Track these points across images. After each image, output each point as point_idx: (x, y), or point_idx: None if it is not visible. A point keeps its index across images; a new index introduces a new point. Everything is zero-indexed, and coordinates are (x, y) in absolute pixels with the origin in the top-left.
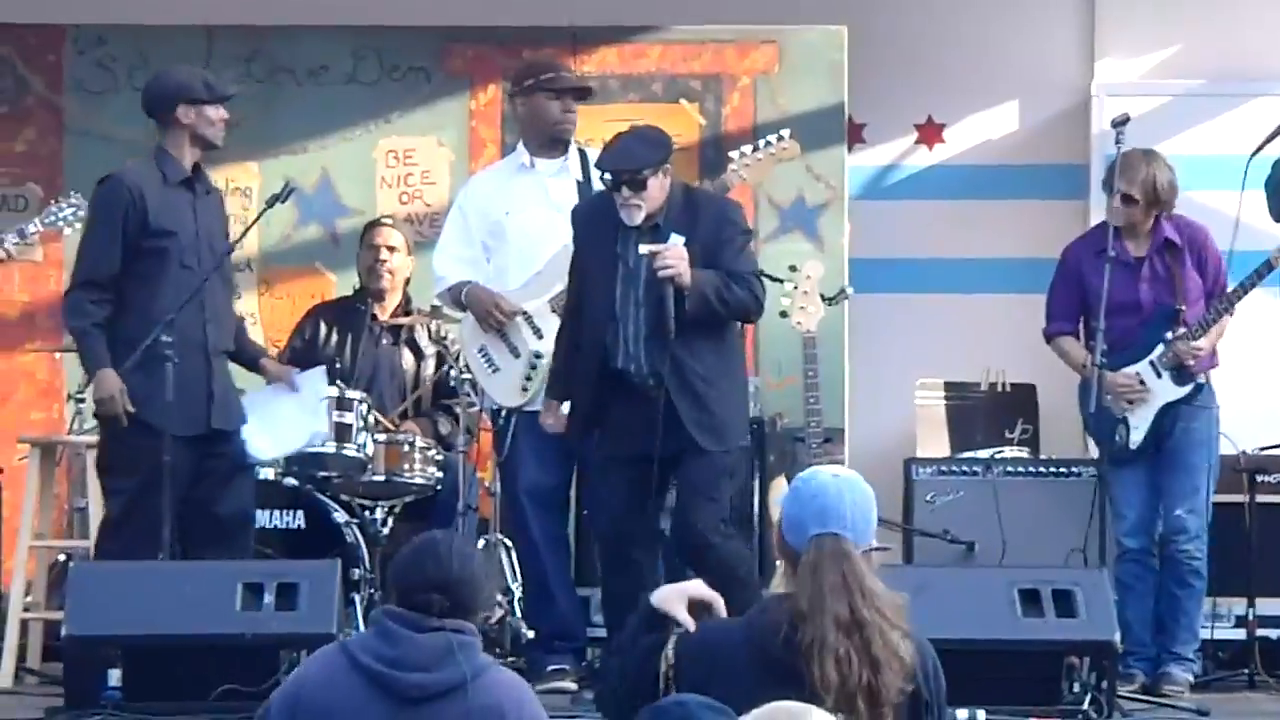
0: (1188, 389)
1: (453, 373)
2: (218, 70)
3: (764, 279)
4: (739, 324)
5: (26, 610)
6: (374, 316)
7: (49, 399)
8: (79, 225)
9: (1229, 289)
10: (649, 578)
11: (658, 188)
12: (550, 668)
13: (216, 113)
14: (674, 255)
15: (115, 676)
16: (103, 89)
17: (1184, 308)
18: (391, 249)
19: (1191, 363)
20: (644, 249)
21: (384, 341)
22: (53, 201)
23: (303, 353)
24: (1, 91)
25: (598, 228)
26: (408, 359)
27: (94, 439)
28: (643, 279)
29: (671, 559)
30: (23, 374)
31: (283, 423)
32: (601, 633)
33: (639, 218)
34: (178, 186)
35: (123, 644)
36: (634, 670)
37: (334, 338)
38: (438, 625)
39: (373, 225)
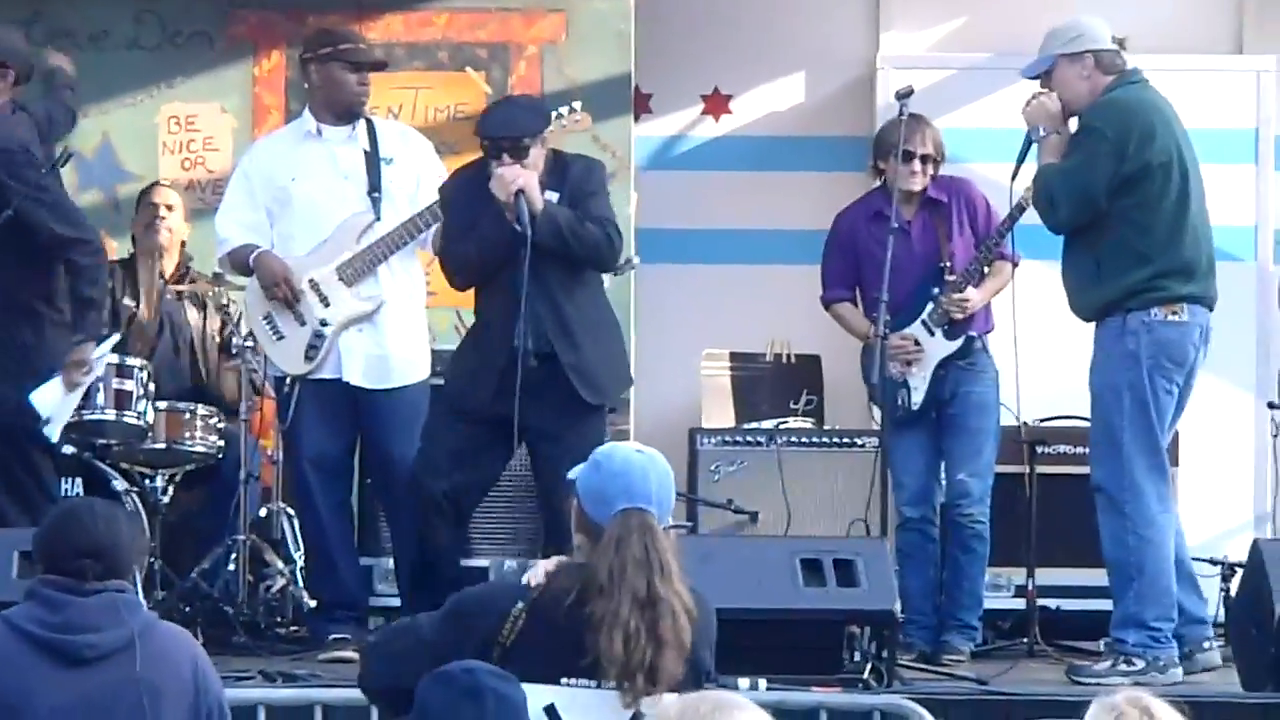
0: (959, 342)
1: (234, 339)
2: None
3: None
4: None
5: None
6: (163, 275)
7: None
8: None
9: (988, 237)
10: None
11: (539, 156)
12: (332, 636)
13: None
14: (514, 171)
15: None
16: None
17: (947, 264)
18: (170, 208)
19: (959, 314)
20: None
21: (166, 298)
22: None
23: None
24: None
25: (473, 201)
26: (192, 315)
27: None
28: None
29: None
30: None
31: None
32: (384, 601)
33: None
34: None
35: None
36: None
37: (123, 297)
38: (99, 587)
39: (150, 186)
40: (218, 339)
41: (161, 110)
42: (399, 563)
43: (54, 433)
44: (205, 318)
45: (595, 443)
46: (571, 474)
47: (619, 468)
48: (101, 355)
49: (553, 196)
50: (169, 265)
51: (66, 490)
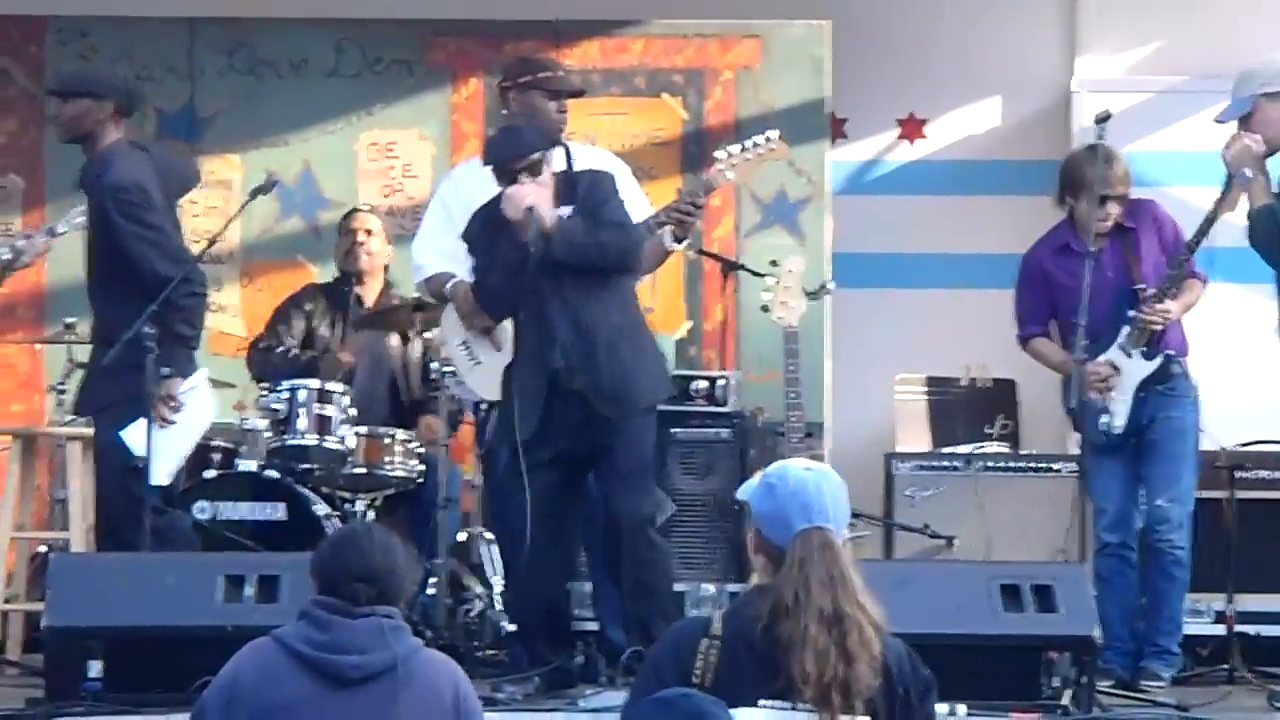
0: (1158, 362)
1: (434, 364)
2: (200, 62)
3: (744, 270)
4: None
5: (6, 601)
6: (359, 299)
7: (29, 390)
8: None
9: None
10: None
11: (549, 173)
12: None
13: None
14: (523, 190)
15: (96, 668)
16: None
17: (1142, 286)
18: (369, 232)
19: (1159, 325)
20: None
21: (377, 333)
22: (76, 204)
23: (271, 337)
24: None
25: (491, 232)
26: (394, 342)
27: (75, 430)
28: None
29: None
30: (3, 366)
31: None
32: (582, 625)
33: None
34: None
35: (103, 635)
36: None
37: (322, 322)
38: (368, 611)
39: (350, 213)
40: (419, 366)
41: (361, 137)
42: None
43: (157, 473)
44: (406, 346)
45: (645, 448)
46: (741, 494)
47: (793, 488)
48: (190, 389)
49: (565, 211)
50: (372, 290)
51: (269, 515)
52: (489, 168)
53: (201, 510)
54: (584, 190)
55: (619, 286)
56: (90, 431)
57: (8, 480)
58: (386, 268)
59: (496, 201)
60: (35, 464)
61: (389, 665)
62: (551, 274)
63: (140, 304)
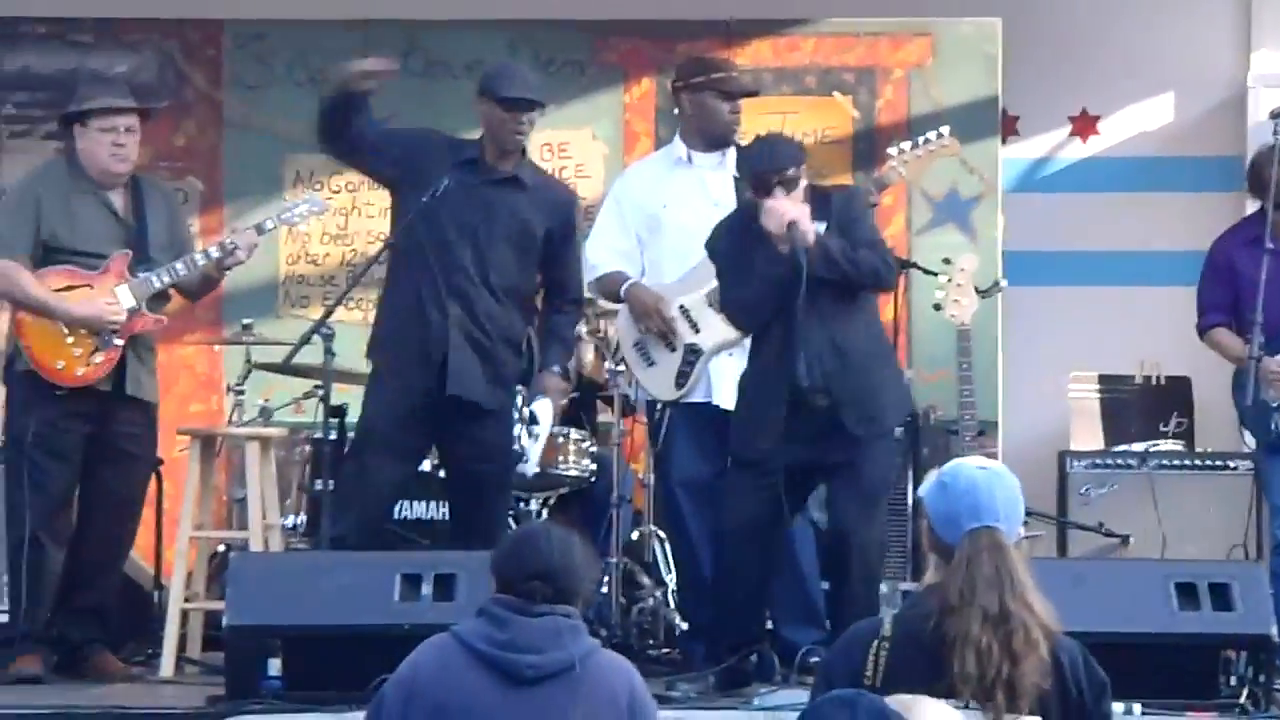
0: None
1: (607, 364)
2: None
3: (916, 269)
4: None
5: (187, 600)
6: None
7: (208, 391)
8: (313, 220)
9: None
10: None
11: (803, 188)
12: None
13: None
14: (783, 204)
15: (275, 666)
16: (261, 83)
17: None
18: None
19: None
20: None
21: None
22: (287, 197)
23: None
24: (162, 86)
25: (743, 244)
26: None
27: (254, 430)
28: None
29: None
30: (183, 366)
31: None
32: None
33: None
34: None
35: (282, 634)
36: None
37: None
38: (546, 610)
39: None
40: (591, 368)
41: (534, 137)
42: None
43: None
44: (579, 348)
45: (887, 470)
46: (921, 490)
47: (965, 487)
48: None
49: (820, 227)
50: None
51: (445, 514)
52: (745, 178)
53: None
54: (837, 207)
55: (867, 305)
56: (268, 431)
57: (187, 480)
58: None
59: (743, 213)
60: (214, 464)
61: (566, 665)
62: (807, 289)
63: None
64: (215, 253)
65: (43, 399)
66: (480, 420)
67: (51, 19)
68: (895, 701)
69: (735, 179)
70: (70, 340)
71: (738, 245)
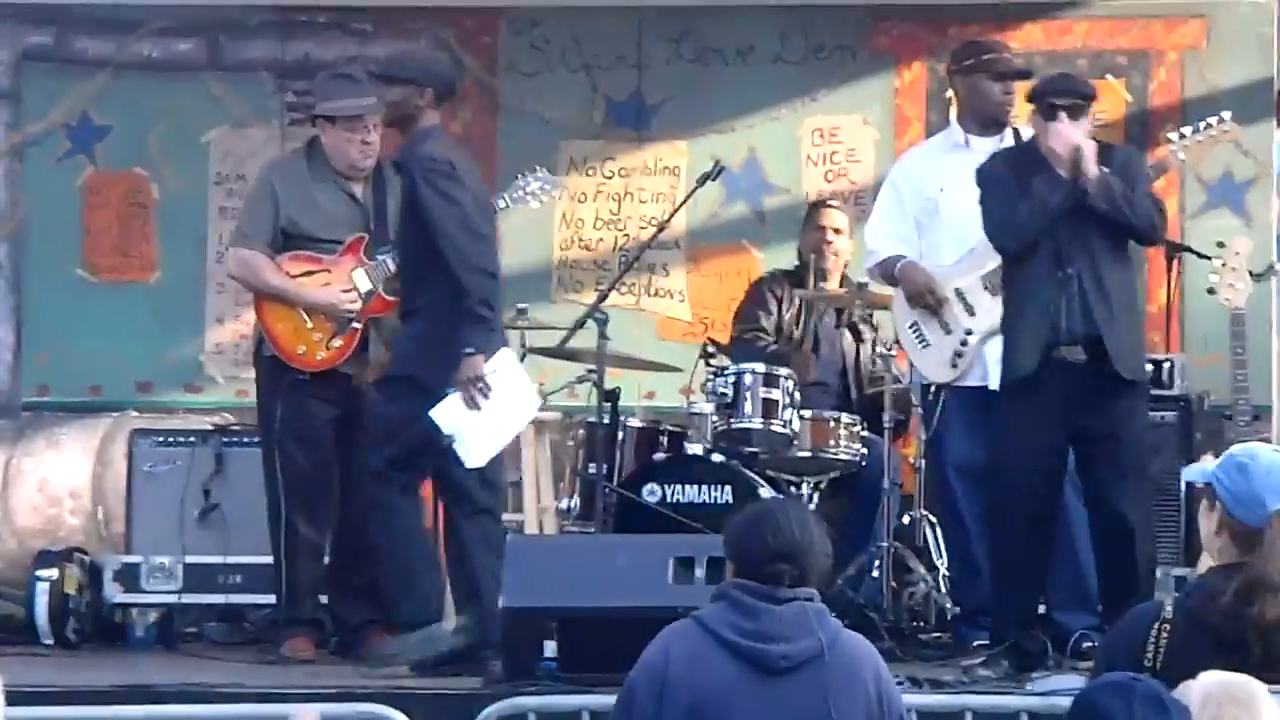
0: None
1: (878, 349)
2: (648, 51)
3: (1189, 253)
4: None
5: None
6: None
7: None
8: (546, 200)
9: None
10: None
11: (1089, 124)
12: (976, 643)
13: None
14: (1071, 128)
15: (551, 648)
16: (536, 70)
17: None
18: (837, 231)
19: None
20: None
21: (825, 320)
22: (519, 176)
23: (751, 323)
24: None
25: (1020, 169)
26: (847, 340)
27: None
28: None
29: None
30: None
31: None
32: None
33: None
34: None
35: (557, 616)
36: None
37: (783, 309)
38: (790, 596)
39: (819, 206)
40: (871, 369)
41: (805, 123)
42: None
43: (468, 455)
44: (859, 348)
45: (1145, 431)
46: (1190, 476)
47: (1266, 467)
48: (496, 370)
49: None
50: (831, 286)
51: (716, 498)
52: (1034, 103)
53: (651, 493)
54: (1119, 161)
55: (1132, 259)
56: (542, 416)
57: None
58: (846, 264)
59: (1020, 147)
60: None
61: (816, 653)
62: (1080, 228)
63: (441, 280)
64: None
65: (287, 384)
66: None
67: (332, 7)
68: (1223, 685)
69: None
70: (310, 325)
71: (1014, 168)
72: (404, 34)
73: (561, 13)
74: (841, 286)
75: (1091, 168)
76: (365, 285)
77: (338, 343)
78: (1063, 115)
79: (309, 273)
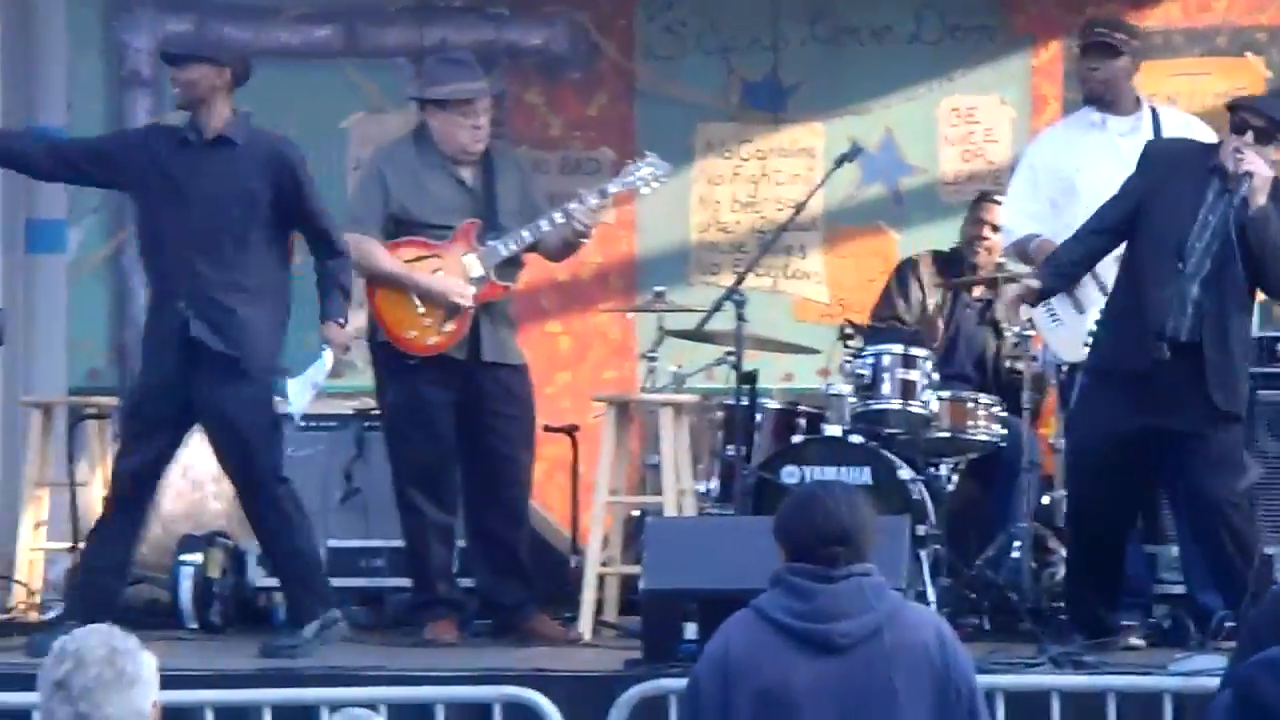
0: None
1: (1016, 328)
2: (784, 32)
3: None
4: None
5: (603, 565)
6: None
7: (622, 358)
8: (656, 185)
9: None
10: None
11: (1270, 161)
12: (1122, 623)
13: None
14: (1251, 153)
15: (691, 630)
16: (672, 54)
17: None
18: (995, 229)
19: None
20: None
21: (968, 313)
22: (630, 161)
23: (889, 310)
24: (575, 56)
25: (1179, 172)
26: (987, 336)
27: (667, 396)
28: (1215, 232)
29: None
30: (596, 334)
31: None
32: (1167, 589)
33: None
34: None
35: (698, 598)
36: None
37: (925, 297)
38: (847, 573)
39: (984, 200)
40: (1008, 364)
41: (942, 103)
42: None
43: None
44: (1000, 344)
45: (1236, 454)
46: None
47: None
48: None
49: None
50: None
51: (855, 479)
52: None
53: (790, 475)
54: None
55: (1250, 305)
56: (681, 398)
57: (602, 446)
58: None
59: (1184, 142)
60: (628, 430)
61: (876, 627)
62: (1219, 254)
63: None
64: (559, 218)
65: (401, 369)
66: None
67: None
68: None
69: (1149, 142)
70: (421, 310)
71: (1166, 168)
72: (540, 18)
73: None
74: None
75: (1258, 195)
76: (477, 270)
77: (449, 327)
78: (1249, 135)
79: (420, 258)
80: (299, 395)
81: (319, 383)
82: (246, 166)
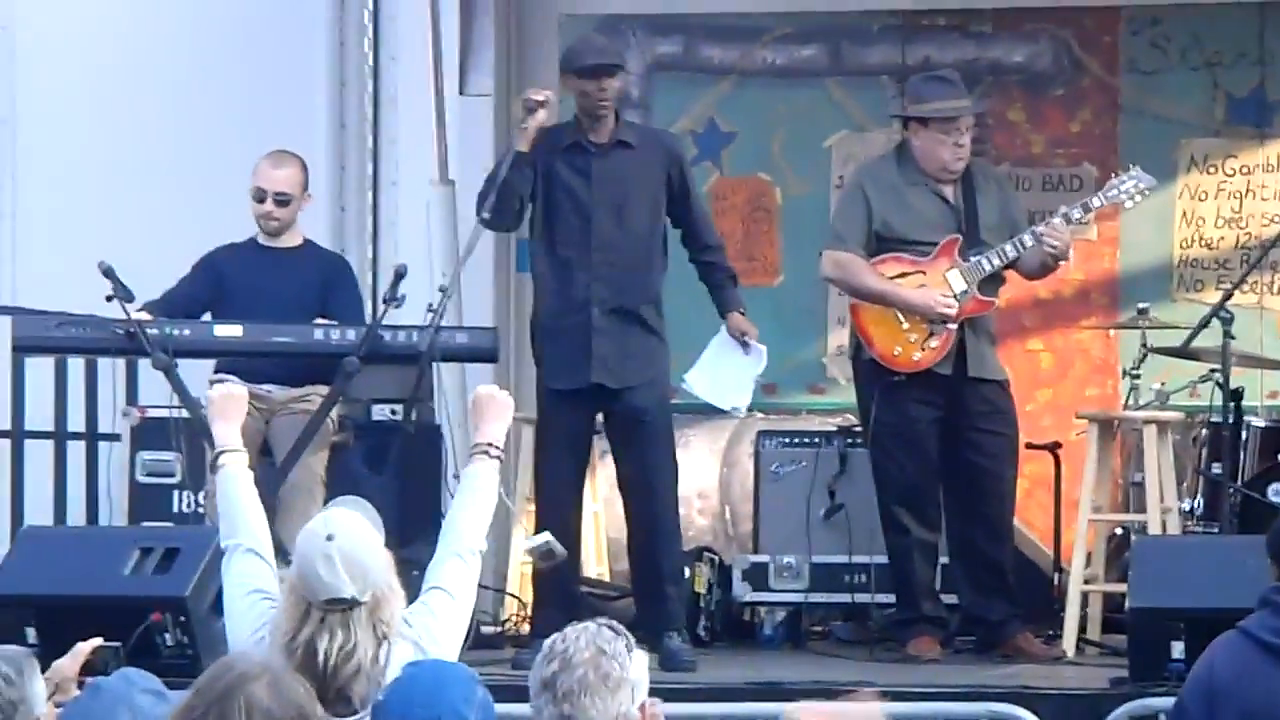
0: None
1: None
2: (1271, 46)
3: None
4: None
5: (1086, 582)
6: None
7: (1104, 375)
8: (1140, 198)
9: None
10: None
11: None
12: None
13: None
14: None
15: (1178, 649)
16: (1156, 69)
17: None
18: None
19: None
20: None
21: None
22: (1114, 175)
23: None
24: (1058, 73)
25: None
26: None
27: (1151, 414)
28: None
29: None
30: (1078, 350)
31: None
32: None
33: None
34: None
35: (1185, 617)
36: None
37: None
38: None
39: None
40: None
41: None
42: None
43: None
44: None
45: None
46: None
47: None
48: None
49: None
50: None
51: None
52: None
53: (1277, 493)
54: None
55: None
56: (1165, 415)
57: (1085, 463)
58: None
59: None
60: (1111, 447)
61: None
62: None
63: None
64: (1028, 240)
65: (886, 387)
66: None
67: (954, 10)
68: None
69: None
70: (905, 327)
71: None
72: (1024, 36)
73: (1182, 9)
74: None
75: None
76: (960, 286)
77: (934, 343)
78: None
79: (904, 274)
80: (741, 391)
81: (758, 376)
82: (645, 166)
